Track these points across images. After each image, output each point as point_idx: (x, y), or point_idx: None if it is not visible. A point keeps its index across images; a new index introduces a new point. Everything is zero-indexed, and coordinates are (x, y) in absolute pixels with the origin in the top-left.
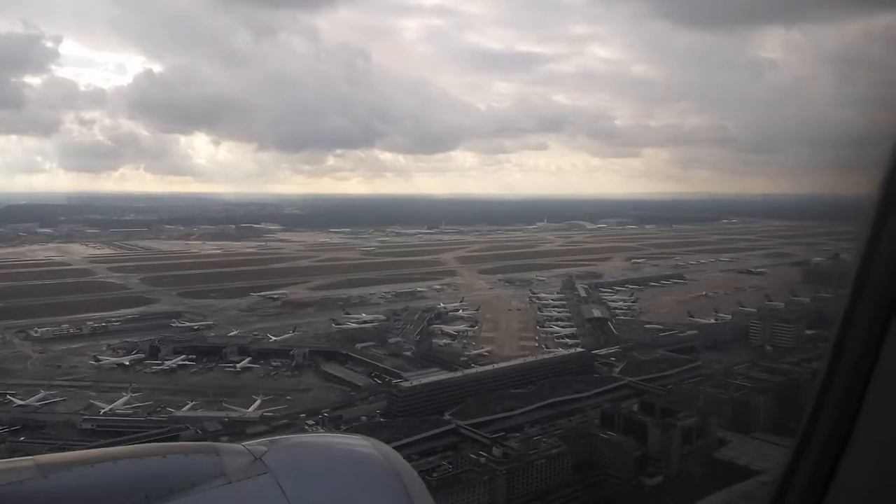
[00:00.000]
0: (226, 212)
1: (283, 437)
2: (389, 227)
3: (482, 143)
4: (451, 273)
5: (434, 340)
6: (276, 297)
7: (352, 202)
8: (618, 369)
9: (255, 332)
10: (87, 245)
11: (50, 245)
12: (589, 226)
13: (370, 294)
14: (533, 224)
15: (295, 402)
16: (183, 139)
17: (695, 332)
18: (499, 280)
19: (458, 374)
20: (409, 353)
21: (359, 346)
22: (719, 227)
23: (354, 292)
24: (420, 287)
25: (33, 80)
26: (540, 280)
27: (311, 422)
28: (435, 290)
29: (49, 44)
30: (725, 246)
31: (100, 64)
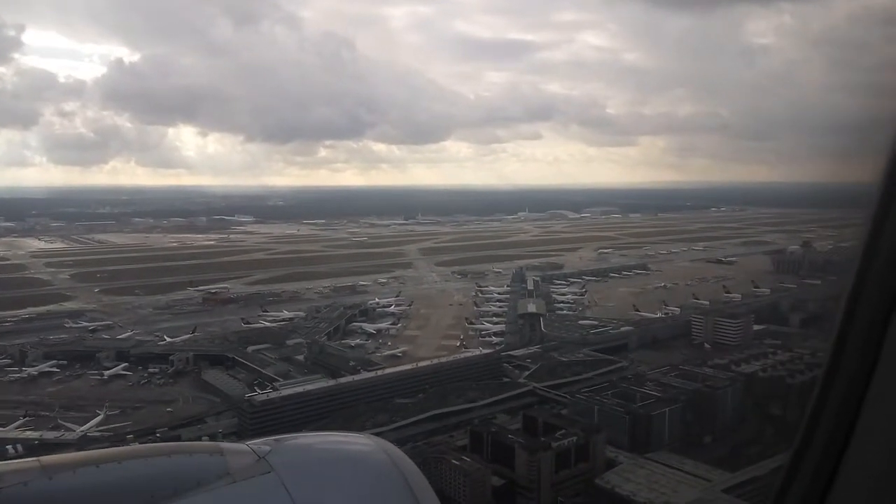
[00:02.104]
0: (206, 204)
1: (288, 436)
2: (365, 218)
3: (474, 132)
4: (406, 265)
5: (345, 340)
6: (213, 291)
7: (342, 194)
8: (527, 373)
9: (156, 333)
10: (41, 239)
11: (3, 239)
12: (571, 215)
13: (307, 289)
14: (513, 214)
15: (142, 417)
16: (171, 131)
17: (631, 328)
18: (452, 273)
19: (333, 382)
20: (300, 357)
21: (251, 348)
22: (706, 216)
23: (293, 287)
24: (364, 281)
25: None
26: (496, 272)
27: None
28: (380, 283)
29: (11, 32)
30: (705, 234)
31: (84, 55)
